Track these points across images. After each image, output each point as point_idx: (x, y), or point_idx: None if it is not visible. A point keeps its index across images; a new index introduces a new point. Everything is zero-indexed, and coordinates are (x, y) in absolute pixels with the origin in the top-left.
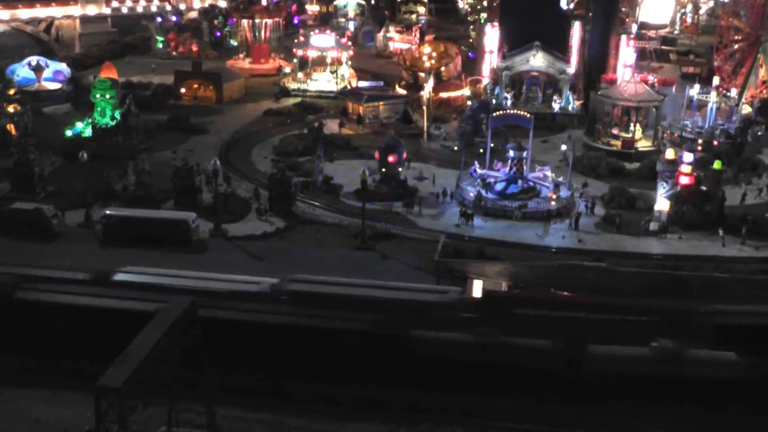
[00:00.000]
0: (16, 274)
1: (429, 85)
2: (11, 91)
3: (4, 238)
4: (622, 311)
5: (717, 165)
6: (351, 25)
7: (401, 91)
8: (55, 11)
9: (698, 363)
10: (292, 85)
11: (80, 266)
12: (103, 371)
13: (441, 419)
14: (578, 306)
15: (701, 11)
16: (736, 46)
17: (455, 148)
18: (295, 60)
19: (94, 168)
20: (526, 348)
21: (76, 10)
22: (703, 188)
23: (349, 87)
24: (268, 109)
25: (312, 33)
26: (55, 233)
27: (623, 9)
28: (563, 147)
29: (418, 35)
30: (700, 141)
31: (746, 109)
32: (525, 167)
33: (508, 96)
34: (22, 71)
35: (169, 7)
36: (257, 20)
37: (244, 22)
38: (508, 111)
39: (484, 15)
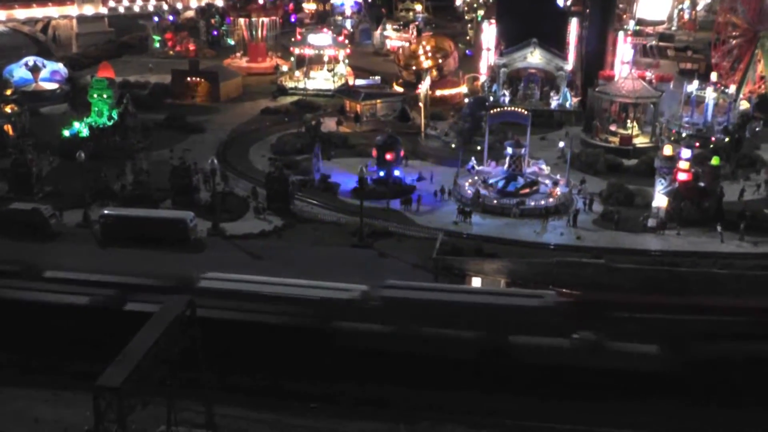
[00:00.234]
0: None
1: (426, 83)
2: (8, 92)
3: (3, 238)
4: (719, 311)
5: (715, 161)
6: (348, 23)
7: (398, 89)
8: (52, 11)
9: (618, 355)
10: (290, 84)
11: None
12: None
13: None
14: (676, 308)
15: (699, 7)
16: (733, 42)
17: (453, 145)
18: (292, 58)
19: (92, 168)
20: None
21: (73, 10)
22: (702, 184)
23: (346, 85)
24: (266, 107)
25: (309, 31)
26: (54, 233)
27: (620, 5)
28: (561, 144)
29: (415, 33)
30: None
31: (744, 105)
32: (523, 164)
33: (506, 93)
34: (19, 71)
35: (165, 7)
36: (254, 19)
37: (241, 20)
38: (505, 108)
39: (481, 12)
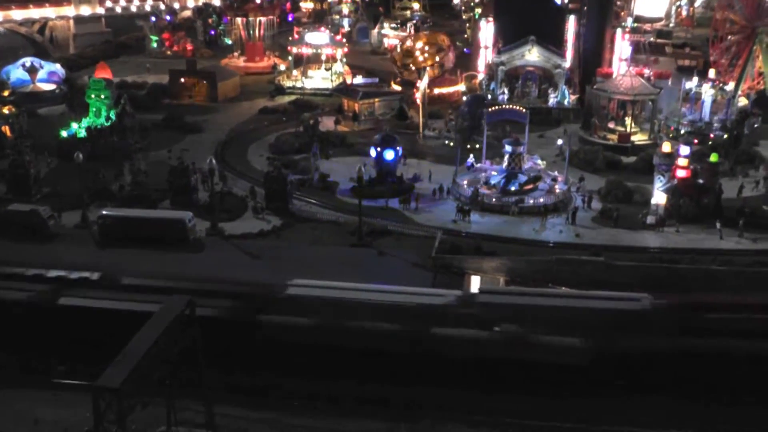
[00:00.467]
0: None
1: (424, 81)
2: (5, 93)
3: (1, 240)
4: None
5: (714, 158)
6: (345, 22)
7: (396, 88)
8: (49, 12)
9: (543, 348)
10: (287, 83)
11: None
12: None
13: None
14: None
15: (696, 4)
16: (731, 38)
17: (451, 144)
18: (289, 58)
19: (90, 168)
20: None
21: (69, 11)
22: (700, 181)
23: (344, 84)
24: (264, 107)
25: (306, 30)
26: (52, 234)
27: (618, 2)
28: (559, 141)
29: (412, 31)
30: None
31: (743, 102)
32: (522, 162)
33: (505, 91)
34: (16, 72)
35: (163, 7)
36: (251, 18)
37: (239, 20)
38: (503, 106)
39: (478, 10)
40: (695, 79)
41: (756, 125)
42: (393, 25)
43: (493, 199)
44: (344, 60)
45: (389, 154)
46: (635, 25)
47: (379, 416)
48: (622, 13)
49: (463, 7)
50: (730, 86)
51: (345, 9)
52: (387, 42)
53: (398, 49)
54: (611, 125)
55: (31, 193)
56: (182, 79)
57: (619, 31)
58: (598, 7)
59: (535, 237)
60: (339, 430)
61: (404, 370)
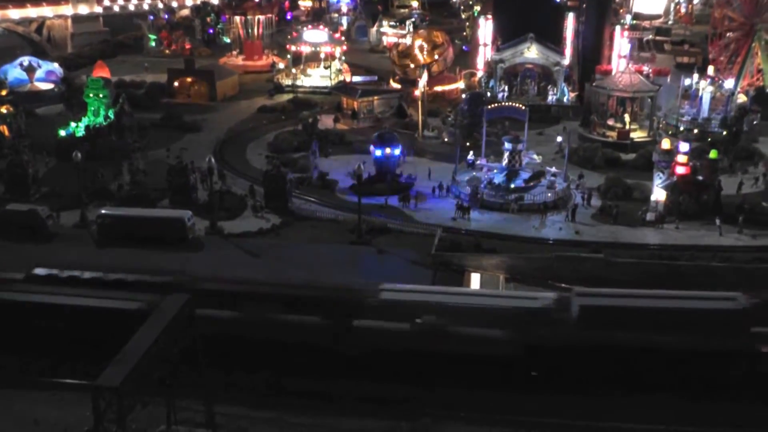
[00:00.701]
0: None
1: (423, 79)
2: (3, 92)
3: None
4: None
5: (713, 154)
6: (344, 20)
7: (395, 86)
8: (47, 11)
9: (463, 339)
10: (286, 82)
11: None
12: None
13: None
14: None
15: (695, 1)
16: (730, 35)
17: (446, 139)
18: (288, 56)
19: (88, 168)
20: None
21: (67, 10)
22: (700, 178)
23: (343, 82)
24: (262, 105)
25: (305, 28)
26: (50, 234)
27: (616, 0)
28: (558, 139)
29: (411, 29)
30: (695, 131)
31: (742, 98)
32: (523, 159)
33: (505, 89)
34: (13, 72)
35: (161, 5)
36: (250, 17)
37: (237, 18)
38: (503, 103)
39: (477, 8)
40: (695, 76)
41: (755, 122)
42: (392, 23)
43: (493, 197)
44: (343, 58)
45: (388, 152)
46: (634, 22)
47: (379, 414)
48: (621, 11)
49: (462, 6)
50: (729, 83)
51: (344, 7)
52: (386, 40)
53: (396, 47)
54: (610, 122)
55: (30, 192)
56: (176, 84)
57: (618, 28)
58: (597, 5)
59: (535, 234)
60: (339, 429)
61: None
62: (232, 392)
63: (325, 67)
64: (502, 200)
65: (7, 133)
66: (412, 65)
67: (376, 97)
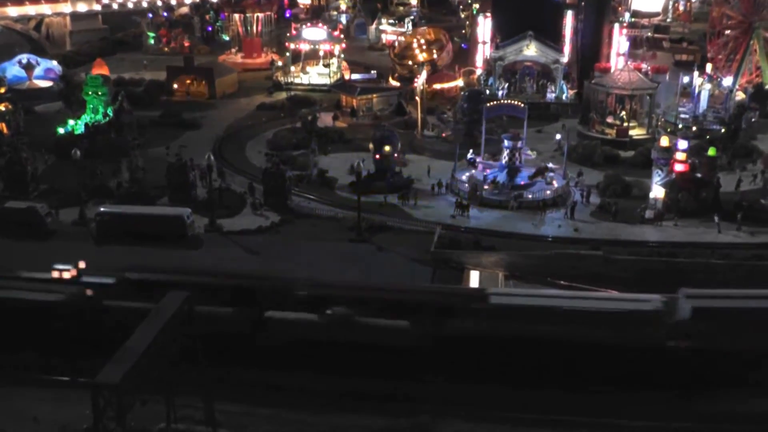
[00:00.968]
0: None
1: (422, 77)
2: (2, 90)
3: None
4: None
5: (711, 152)
6: (343, 18)
7: (395, 83)
8: (45, 9)
9: (370, 330)
10: (285, 79)
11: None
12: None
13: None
14: None
15: None
16: (728, 33)
17: (445, 135)
18: (287, 54)
19: (87, 165)
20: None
21: (66, 8)
22: (698, 175)
23: (342, 80)
24: (261, 103)
25: (304, 26)
26: (49, 232)
27: None
28: (557, 136)
29: (410, 27)
30: (694, 128)
31: (740, 96)
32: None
33: (505, 87)
34: (12, 69)
35: (159, 3)
36: (249, 14)
37: (236, 16)
38: (502, 101)
39: (476, 6)
40: (695, 74)
41: (753, 119)
42: (391, 20)
43: (497, 195)
44: (342, 56)
45: (387, 150)
46: (633, 20)
47: (378, 411)
48: (620, 8)
49: (461, 6)
50: (728, 81)
51: (342, 5)
52: (385, 38)
53: (395, 45)
54: (609, 120)
55: (29, 190)
56: (175, 81)
57: (616, 25)
58: (596, 2)
59: (534, 232)
60: (338, 426)
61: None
62: (231, 389)
63: (324, 65)
64: (502, 198)
65: (5, 130)
66: (410, 62)
67: (375, 95)
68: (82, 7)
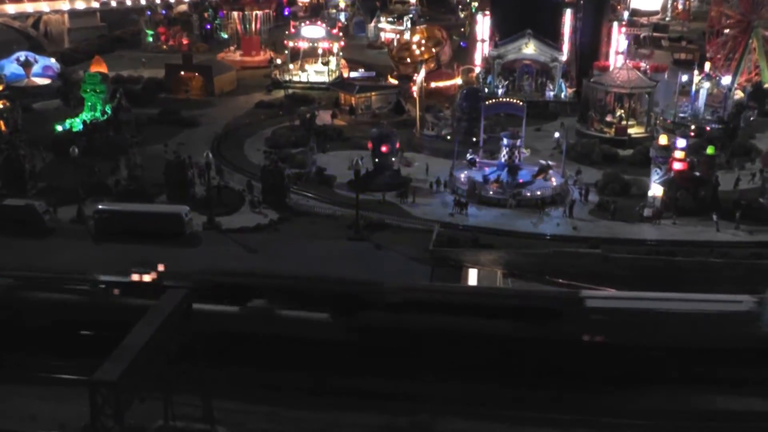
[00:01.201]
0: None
1: (421, 75)
2: (0, 87)
3: None
4: None
5: (710, 150)
6: (342, 16)
7: (393, 82)
8: (43, 6)
9: (290, 322)
10: (284, 77)
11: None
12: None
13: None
14: None
15: None
16: (727, 32)
17: (444, 132)
18: (286, 52)
19: (86, 163)
20: None
21: (64, 5)
22: (697, 173)
23: (341, 78)
24: (260, 101)
25: (303, 24)
26: (48, 229)
27: None
28: (556, 135)
29: (409, 25)
30: (693, 127)
31: (739, 95)
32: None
33: (504, 85)
34: (10, 67)
35: (158, 1)
36: (247, 12)
37: (235, 14)
38: (500, 99)
39: (475, 4)
40: (696, 72)
41: (752, 118)
42: (390, 18)
43: (501, 194)
44: (341, 54)
45: (386, 148)
46: (632, 18)
47: (377, 409)
48: (619, 7)
49: (460, 6)
50: (726, 80)
51: (341, 3)
52: (384, 36)
53: (394, 43)
54: (609, 118)
55: (27, 188)
56: (173, 79)
57: (615, 24)
58: (595, 1)
59: (533, 230)
60: (337, 423)
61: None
62: (229, 387)
63: (323, 63)
64: (501, 196)
65: (3, 128)
66: (408, 60)
67: (373, 93)
68: (80, 5)
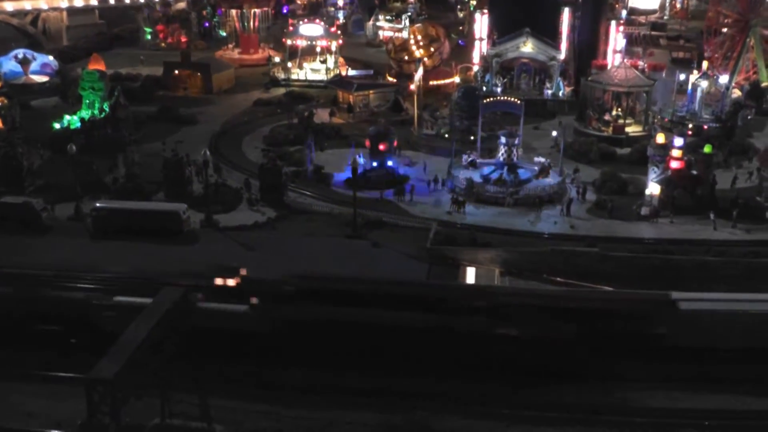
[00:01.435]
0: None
1: (419, 73)
2: None
3: None
4: None
5: (707, 149)
6: (340, 14)
7: (391, 80)
8: (42, 3)
9: (210, 315)
10: (282, 75)
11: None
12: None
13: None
14: None
15: None
16: (725, 31)
17: (446, 135)
18: (284, 50)
19: (83, 161)
20: None
21: (62, 2)
22: (694, 172)
23: (339, 76)
24: (258, 99)
25: (301, 22)
26: (45, 227)
27: None
28: (554, 133)
29: (407, 23)
30: (690, 125)
31: (736, 93)
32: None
33: (499, 83)
34: (8, 64)
35: None
36: (246, 10)
37: (233, 12)
38: (498, 98)
39: (473, 2)
40: (695, 72)
41: (749, 117)
42: (388, 17)
43: (503, 193)
44: (339, 52)
45: (383, 146)
46: (630, 17)
47: (375, 408)
48: (617, 6)
49: (458, 5)
50: (724, 78)
51: (340, 1)
52: (382, 34)
53: (392, 41)
54: (607, 117)
55: (24, 185)
56: (172, 77)
57: (613, 23)
58: (593, 0)
59: (530, 228)
60: (335, 421)
61: None
62: (226, 385)
63: (321, 61)
64: (502, 194)
65: (1, 125)
66: (406, 58)
67: (371, 91)
68: (78, 2)
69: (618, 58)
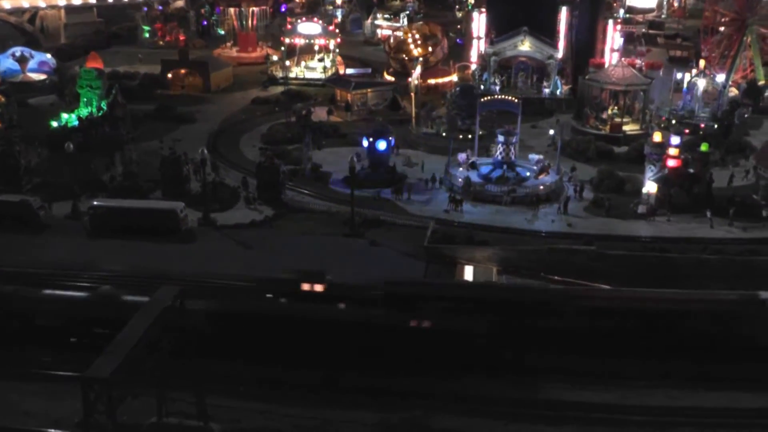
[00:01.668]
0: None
1: (417, 72)
2: None
3: None
4: None
5: (704, 147)
6: (338, 13)
7: (389, 78)
8: (40, 1)
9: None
10: (280, 73)
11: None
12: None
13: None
14: None
15: None
16: (722, 29)
17: (443, 133)
18: (282, 48)
19: (81, 159)
20: None
21: (60, 0)
22: (691, 170)
23: (337, 74)
24: (256, 97)
25: (299, 21)
26: (42, 225)
27: None
28: (551, 132)
29: (405, 22)
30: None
31: (733, 92)
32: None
33: (497, 81)
34: (6, 62)
35: None
36: (244, 8)
37: (231, 10)
38: (496, 96)
39: (471, 1)
40: (693, 71)
41: (746, 115)
42: (386, 15)
43: (503, 193)
44: (337, 50)
45: (381, 145)
46: (627, 15)
47: (373, 406)
48: (615, 4)
49: (457, 5)
50: (721, 77)
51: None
52: (380, 32)
53: (390, 40)
54: (604, 116)
55: (21, 183)
56: (170, 75)
57: (611, 21)
58: None
59: (527, 226)
60: (332, 420)
61: None
62: (224, 383)
63: (319, 60)
64: (501, 192)
65: None
66: (404, 57)
67: (369, 90)
68: (76, 0)
69: (615, 56)
